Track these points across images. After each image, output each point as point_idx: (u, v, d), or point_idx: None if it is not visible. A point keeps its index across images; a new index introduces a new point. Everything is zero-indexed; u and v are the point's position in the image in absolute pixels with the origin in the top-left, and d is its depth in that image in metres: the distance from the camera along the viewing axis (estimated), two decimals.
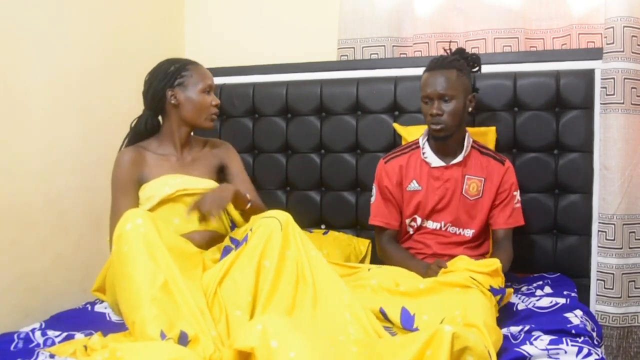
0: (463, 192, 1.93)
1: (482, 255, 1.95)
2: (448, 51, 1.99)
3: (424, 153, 1.96)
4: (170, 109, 1.85)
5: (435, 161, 1.95)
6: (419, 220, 1.98)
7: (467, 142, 1.95)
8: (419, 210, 1.98)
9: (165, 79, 1.83)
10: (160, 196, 1.77)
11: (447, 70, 1.87)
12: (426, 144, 1.98)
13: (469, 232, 1.95)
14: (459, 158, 1.93)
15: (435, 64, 1.90)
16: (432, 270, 1.75)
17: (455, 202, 1.93)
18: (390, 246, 2.00)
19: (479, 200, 1.94)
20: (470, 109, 1.93)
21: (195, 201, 1.69)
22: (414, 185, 1.98)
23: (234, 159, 2.01)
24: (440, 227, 1.96)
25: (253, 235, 1.59)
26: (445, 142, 1.92)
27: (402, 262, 1.89)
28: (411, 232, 2.01)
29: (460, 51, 1.99)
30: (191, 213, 1.70)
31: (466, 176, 1.94)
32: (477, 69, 2.00)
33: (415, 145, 2.02)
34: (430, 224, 1.98)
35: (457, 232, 1.96)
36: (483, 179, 1.94)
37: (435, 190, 1.95)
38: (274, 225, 1.59)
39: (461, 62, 1.93)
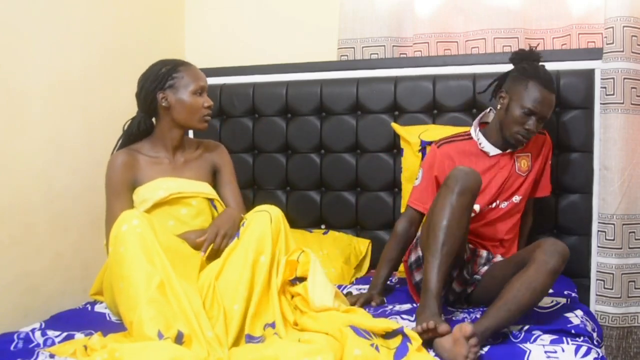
0: (517, 170, 1.96)
1: (516, 226, 1.98)
2: (534, 48, 1.95)
3: (480, 144, 1.97)
4: (162, 111, 1.83)
5: (493, 150, 1.96)
6: (477, 208, 1.93)
7: None
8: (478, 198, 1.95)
9: (156, 81, 1.80)
10: (154, 199, 1.77)
11: (554, 95, 1.88)
12: (480, 134, 1.98)
13: (517, 199, 1.96)
14: (512, 147, 1.96)
15: (550, 84, 1.87)
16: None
17: (510, 182, 1.95)
18: (399, 229, 1.96)
19: (529, 174, 1.98)
20: None
21: (207, 237, 1.70)
22: None
23: (227, 165, 1.99)
24: (496, 205, 1.95)
25: (245, 229, 1.65)
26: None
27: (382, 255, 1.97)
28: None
29: (541, 61, 1.93)
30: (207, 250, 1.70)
31: (515, 155, 1.96)
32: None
33: (467, 136, 2.01)
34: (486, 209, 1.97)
35: (507, 204, 1.96)
36: (530, 154, 1.98)
37: (493, 178, 1.95)
38: (265, 219, 1.64)
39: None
